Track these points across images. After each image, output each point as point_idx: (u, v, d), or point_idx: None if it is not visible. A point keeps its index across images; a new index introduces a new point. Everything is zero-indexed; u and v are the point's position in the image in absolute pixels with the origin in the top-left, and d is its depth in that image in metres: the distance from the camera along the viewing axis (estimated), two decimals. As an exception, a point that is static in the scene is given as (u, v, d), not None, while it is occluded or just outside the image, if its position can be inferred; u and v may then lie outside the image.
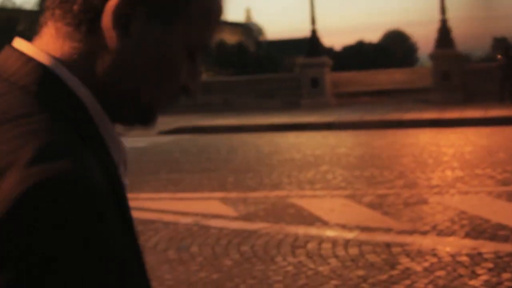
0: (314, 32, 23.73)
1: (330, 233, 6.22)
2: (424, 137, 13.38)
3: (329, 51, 46.61)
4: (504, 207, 6.79)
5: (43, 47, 0.81)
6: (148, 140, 16.23)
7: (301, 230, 6.35)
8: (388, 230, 6.18)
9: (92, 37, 0.80)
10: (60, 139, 0.71)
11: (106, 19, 0.79)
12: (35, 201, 0.66)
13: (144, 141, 15.99)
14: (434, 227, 6.14)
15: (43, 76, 0.78)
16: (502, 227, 6.03)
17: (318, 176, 9.34)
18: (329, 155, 11.50)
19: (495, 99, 19.30)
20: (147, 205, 7.98)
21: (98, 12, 0.79)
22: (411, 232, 6.03)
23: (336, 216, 6.85)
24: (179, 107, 25.06)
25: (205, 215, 7.19)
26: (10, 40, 0.82)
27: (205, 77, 65.84)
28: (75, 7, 0.79)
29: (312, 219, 6.75)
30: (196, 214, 7.27)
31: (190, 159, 11.98)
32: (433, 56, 22.15)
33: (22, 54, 0.81)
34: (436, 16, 21.94)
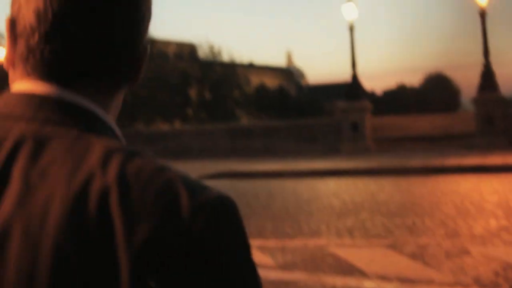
0: (354, 76, 23.72)
1: (369, 284, 6.08)
2: (466, 184, 13.14)
3: (370, 95, 46.53)
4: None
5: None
6: (188, 185, 16.29)
7: (339, 281, 6.22)
8: (429, 282, 6.01)
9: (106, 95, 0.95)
10: (170, 167, 0.81)
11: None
12: (226, 221, 0.79)
13: (183, 186, 16.06)
14: (477, 280, 5.96)
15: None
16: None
17: (357, 224, 9.20)
18: (369, 202, 11.36)
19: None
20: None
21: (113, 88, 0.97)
22: (453, 285, 5.85)
23: (375, 266, 6.70)
24: (219, 150, 25.19)
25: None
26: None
27: (246, 121, 66.13)
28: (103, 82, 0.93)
29: (351, 270, 6.61)
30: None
31: (229, 205, 11.93)
32: (476, 101, 21.89)
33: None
34: (479, 59, 21.76)
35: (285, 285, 6.19)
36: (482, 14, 21.74)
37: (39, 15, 0.84)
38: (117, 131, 0.93)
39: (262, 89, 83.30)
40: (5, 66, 0.92)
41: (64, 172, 0.77)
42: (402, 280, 6.13)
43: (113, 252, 0.72)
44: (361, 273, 6.45)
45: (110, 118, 0.94)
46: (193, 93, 61.63)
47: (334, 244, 7.93)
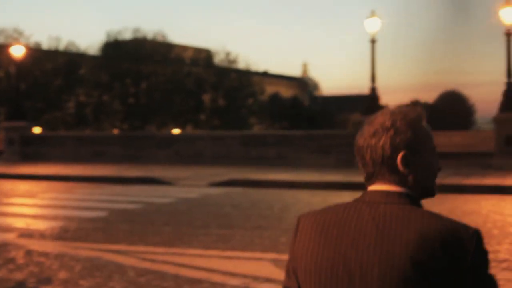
0: (373, 89, 23.36)
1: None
2: (487, 204, 12.75)
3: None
4: None
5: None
6: (200, 191, 15.98)
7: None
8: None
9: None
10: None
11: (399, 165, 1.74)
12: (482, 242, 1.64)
13: (195, 192, 15.74)
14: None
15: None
16: None
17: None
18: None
19: None
20: (195, 262, 7.62)
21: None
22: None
23: None
24: (232, 158, 24.88)
25: (256, 278, 6.77)
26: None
27: (258, 129, 65.88)
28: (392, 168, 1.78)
29: None
30: (246, 276, 6.86)
31: (242, 214, 11.61)
32: (497, 120, 21.48)
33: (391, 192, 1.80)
34: (497, 78, 21.42)
35: (301, 303, 5.84)
36: (508, 34, 21.36)
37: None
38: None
39: (276, 98, 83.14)
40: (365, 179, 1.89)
41: (405, 221, 1.69)
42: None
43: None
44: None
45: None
46: (207, 99, 61.44)
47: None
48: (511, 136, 20.24)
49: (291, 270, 1.83)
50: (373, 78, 23.12)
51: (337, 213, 1.79)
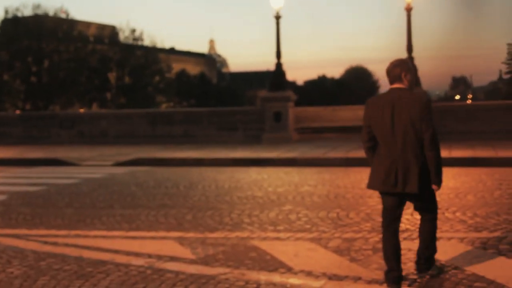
0: (278, 66, 23.43)
1: (294, 280, 5.76)
2: (389, 177, 13.05)
3: (291, 85, 46.50)
4: (478, 256, 6.40)
5: None
6: (104, 171, 15.64)
7: (263, 277, 5.87)
8: (356, 279, 5.75)
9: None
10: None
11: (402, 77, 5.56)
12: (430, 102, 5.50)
13: (99, 172, 15.40)
14: (404, 276, 5.72)
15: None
16: (478, 278, 5.65)
17: (281, 217, 8.89)
18: (293, 193, 11.08)
19: (459, 139, 19.20)
20: (98, 244, 7.44)
21: None
22: (382, 283, 5.59)
23: (301, 261, 6.39)
24: (138, 137, 24.52)
25: (160, 257, 6.67)
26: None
27: (165, 107, 65.17)
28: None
29: (275, 265, 6.28)
30: (151, 256, 6.75)
31: (147, 194, 11.43)
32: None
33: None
34: (400, 54, 21.91)
35: (205, 280, 5.80)
36: (408, 9, 21.85)
37: None
38: None
39: (183, 75, 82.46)
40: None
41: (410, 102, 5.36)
42: (329, 276, 5.85)
43: None
44: (286, 269, 6.13)
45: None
46: (112, 77, 60.24)
47: (258, 237, 7.59)
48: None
49: (366, 126, 5.60)
50: (278, 54, 23.19)
51: (383, 96, 5.54)
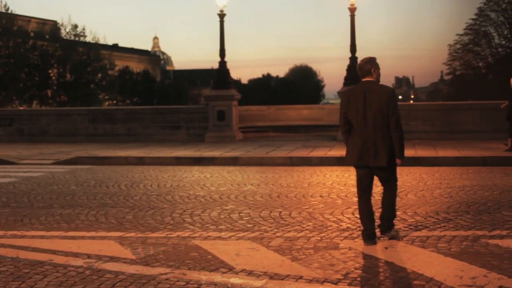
0: (222, 64, 23.37)
1: (235, 280, 5.72)
2: (332, 176, 13.16)
3: (236, 83, 46.37)
4: (417, 254, 6.49)
5: None
6: (43, 169, 15.32)
7: (204, 277, 5.82)
8: (298, 278, 5.74)
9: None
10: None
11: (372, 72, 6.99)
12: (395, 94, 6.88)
13: (38, 170, 15.08)
14: (346, 275, 5.76)
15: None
16: (417, 275, 5.72)
17: (223, 216, 8.84)
18: (235, 193, 11.04)
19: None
20: (36, 244, 7.25)
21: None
22: (322, 281, 5.61)
23: (242, 261, 6.36)
24: (79, 135, 24.11)
25: (100, 257, 6.54)
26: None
27: (108, 105, 64.31)
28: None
29: (216, 264, 6.23)
30: (90, 256, 6.62)
31: (87, 193, 11.23)
32: (341, 94, 22.25)
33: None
34: (344, 54, 22.14)
35: (145, 280, 5.71)
36: (352, 9, 22.05)
37: None
38: None
39: (126, 73, 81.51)
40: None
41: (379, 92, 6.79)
42: (270, 275, 5.83)
43: None
44: (227, 268, 6.09)
45: None
46: (53, 73, 59.08)
47: (199, 237, 7.52)
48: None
49: (343, 112, 6.92)
50: (222, 53, 23.11)
51: (357, 87, 6.96)
